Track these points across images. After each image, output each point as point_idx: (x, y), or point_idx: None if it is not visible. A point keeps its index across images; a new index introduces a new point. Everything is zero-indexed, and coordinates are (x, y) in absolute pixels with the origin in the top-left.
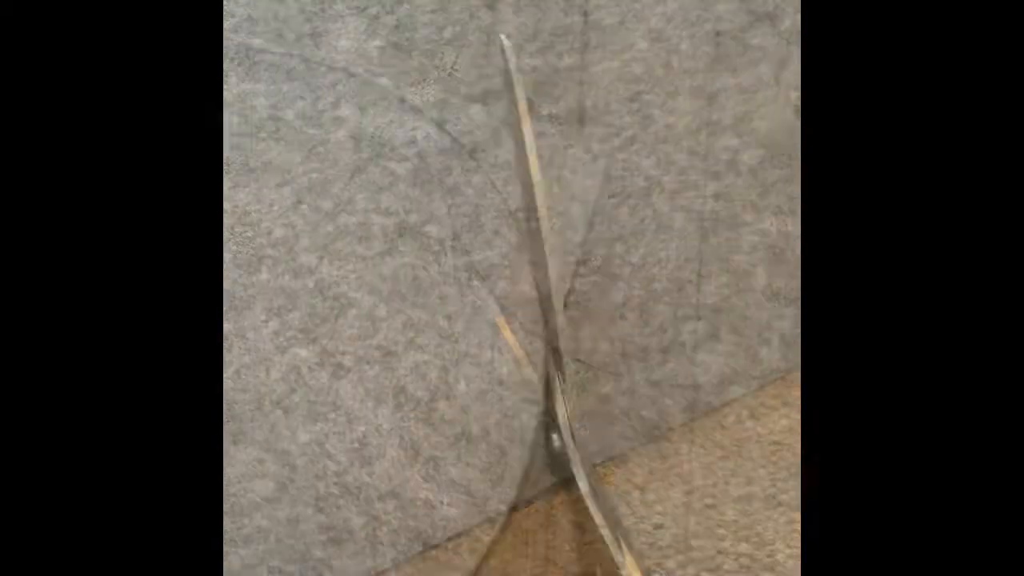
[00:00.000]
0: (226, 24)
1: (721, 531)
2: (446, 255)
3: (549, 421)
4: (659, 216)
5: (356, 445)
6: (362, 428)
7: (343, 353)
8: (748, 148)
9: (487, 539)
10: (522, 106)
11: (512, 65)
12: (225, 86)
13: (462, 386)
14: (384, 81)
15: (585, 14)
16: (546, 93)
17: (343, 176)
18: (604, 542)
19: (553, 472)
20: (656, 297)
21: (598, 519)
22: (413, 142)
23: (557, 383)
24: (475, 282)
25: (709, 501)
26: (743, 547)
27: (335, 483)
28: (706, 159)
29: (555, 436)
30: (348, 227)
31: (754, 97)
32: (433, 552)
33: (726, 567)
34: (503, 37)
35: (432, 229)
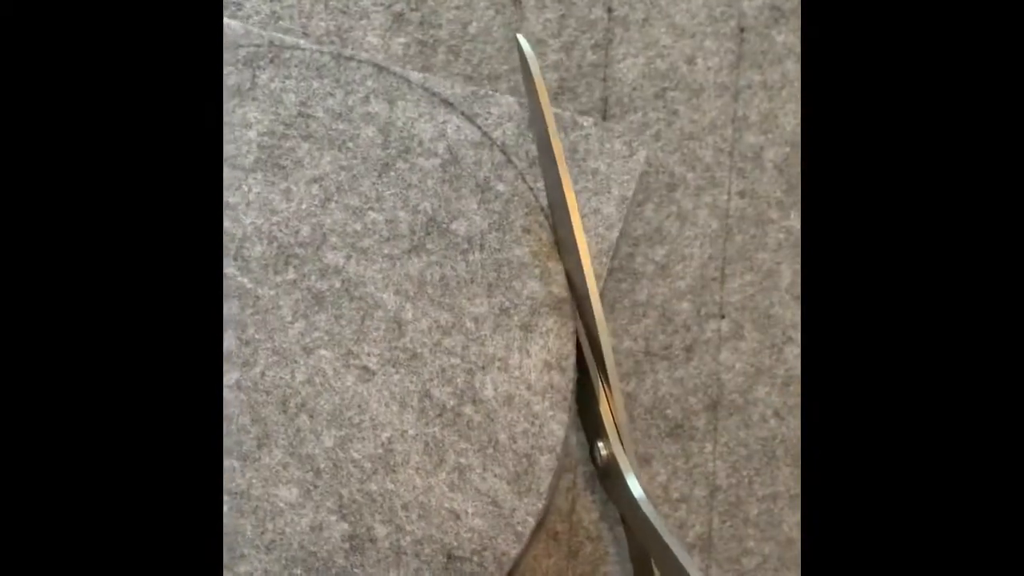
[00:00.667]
0: (253, 20)
1: (746, 530)
2: (473, 253)
3: (593, 427)
4: (683, 213)
5: (380, 451)
6: (387, 434)
7: (369, 355)
8: (774, 145)
9: (513, 552)
10: (544, 102)
11: (533, 64)
12: (255, 84)
13: (489, 391)
14: (415, 75)
15: (609, 10)
16: (570, 89)
17: (372, 173)
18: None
19: (602, 481)
20: (679, 295)
21: (659, 525)
22: (443, 136)
23: (600, 386)
24: (503, 282)
25: (733, 500)
26: (768, 547)
27: (359, 490)
28: (731, 156)
29: (600, 444)
30: (376, 225)
31: (779, 94)
32: (458, 564)
33: (751, 566)
34: (520, 37)
35: (460, 226)
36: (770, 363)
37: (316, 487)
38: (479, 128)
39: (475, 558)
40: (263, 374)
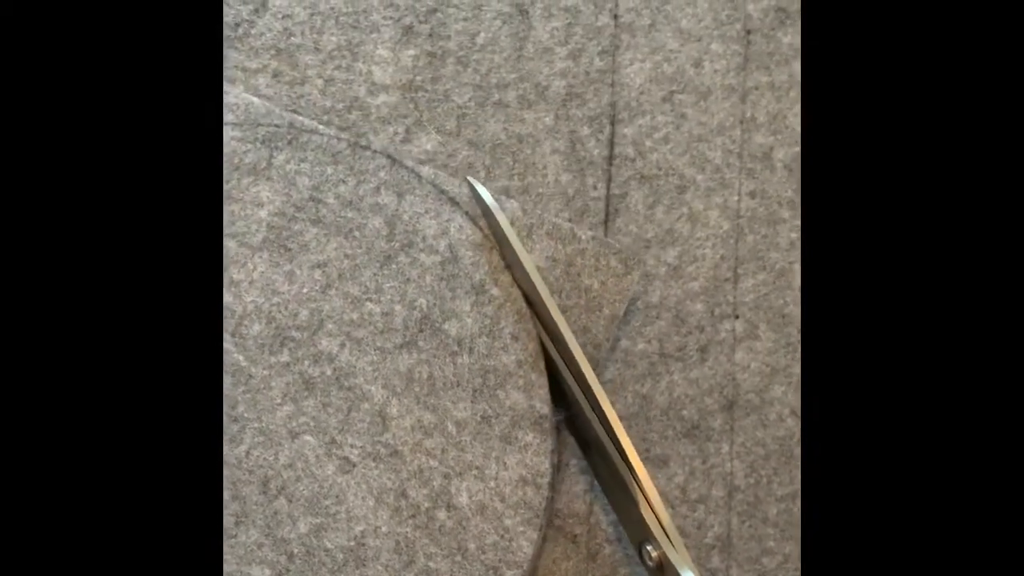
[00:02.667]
0: (266, 37)
1: (766, 530)
2: (462, 356)
3: (637, 530)
4: (694, 215)
5: (353, 544)
6: (361, 527)
7: (351, 447)
8: (783, 145)
9: None
10: (515, 242)
11: (491, 204)
12: (271, 164)
13: (464, 498)
14: (426, 170)
15: (615, 16)
16: (579, 95)
17: (374, 263)
18: None
19: None
20: (693, 296)
21: None
22: (445, 233)
23: (635, 488)
24: (488, 389)
25: (752, 500)
26: (789, 546)
27: None
28: (741, 157)
29: (649, 547)
30: (372, 316)
31: (787, 95)
32: None
33: (772, 566)
34: (471, 180)
35: (452, 327)
36: (786, 362)
37: (288, 571)
38: (481, 230)
39: None
40: (248, 453)
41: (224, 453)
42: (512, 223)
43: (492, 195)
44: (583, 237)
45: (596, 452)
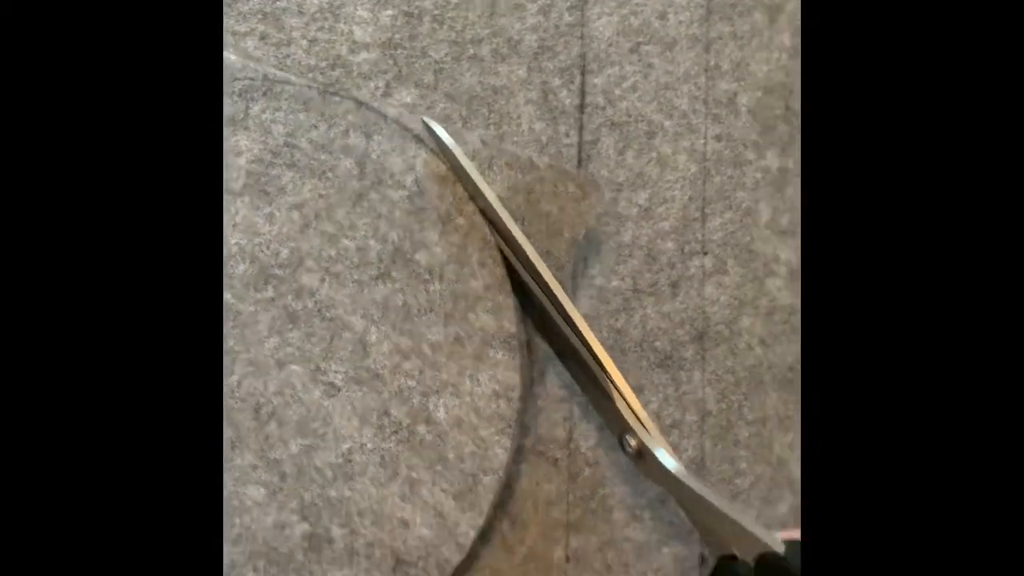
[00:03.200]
0: (250, 2)
1: (738, 452)
2: (434, 284)
3: (616, 423)
4: (663, 158)
5: (340, 461)
6: (347, 445)
7: (335, 372)
8: (746, 91)
9: (455, 560)
10: (475, 175)
11: (448, 142)
12: (248, 115)
13: (441, 413)
14: (391, 110)
15: None
16: (550, 48)
17: (347, 202)
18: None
19: (636, 465)
20: (663, 235)
21: (701, 490)
22: (411, 169)
23: (611, 387)
24: (459, 313)
25: (724, 424)
26: (760, 467)
27: (319, 495)
28: (706, 103)
29: (627, 436)
30: (348, 252)
31: (749, 43)
32: (404, 567)
33: (745, 486)
34: (426, 120)
35: (422, 257)
36: (753, 295)
37: (281, 489)
38: (444, 163)
39: (420, 563)
40: (239, 383)
41: None
42: (473, 156)
43: (447, 133)
44: (541, 165)
45: (571, 358)
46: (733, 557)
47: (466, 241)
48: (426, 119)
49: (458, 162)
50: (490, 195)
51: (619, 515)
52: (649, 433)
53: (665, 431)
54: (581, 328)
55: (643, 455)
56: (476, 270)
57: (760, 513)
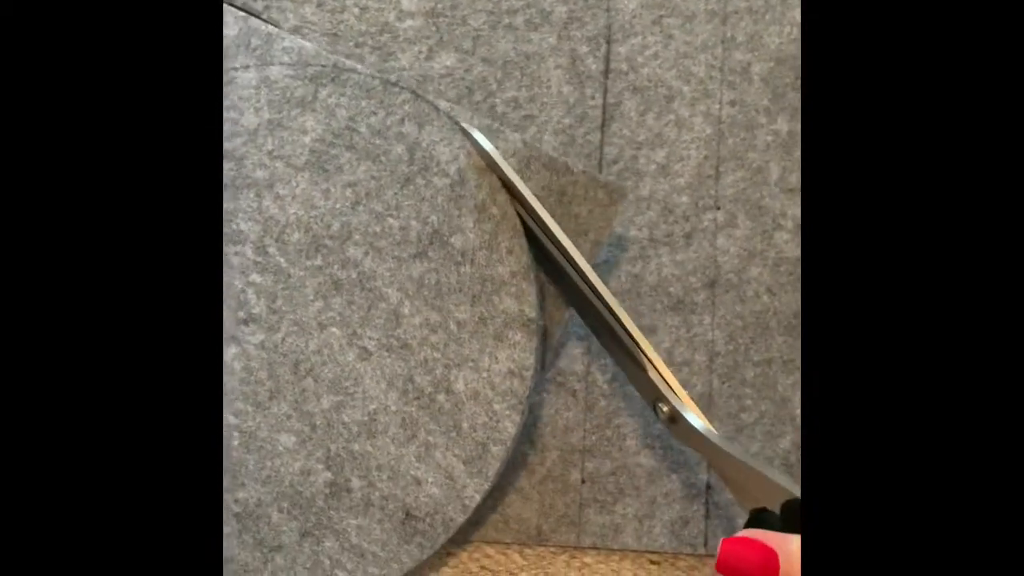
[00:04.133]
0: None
1: (744, 390)
2: (465, 266)
3: (649, 392)
4: (681, 120)
5: (366, 419)
6: (373, 406)
7: (369, 339)
8: (759, 61)
9: (459, 520)
10: (512, 175)
11: (489, 149)
12: (316, 98)
13: (460, 385)
14: (444, 104)
15: None
16: (578, 19)
17: (396, 184)
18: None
19: (669, 428)
20: (679, 190)
21: (733, 450)
22: (456, 159)
23: (645, 360)
24: (485, 295)
25: (731, 364)
26: (764, 405)
27: (344, 447)
28: (722, 71)
29: (660, 404)
30: (391, 230)
31: (763, 17)
32: (413, 521)
33: (749, 421)
34: (467, 127)
35: (457, 241)
36: (762, 247)
37: (310, 439)
38: (486, 154)
39: (427, 519)
40: (283, 339)
41: (263, 338)
42: (514, 154)
43: (488, 139)
44: (575, 169)
45: (607, 335)
46: (763, 509)
47: (498, 229)
48: (465, 125)
49: (498, 166)
50: (525, 190)
51: (631, 443)
52: (681, 400)
53: (676, 369)
54: (616, 310)
55: (675, 419)
56: (504, 257)
57: (764, 447)
